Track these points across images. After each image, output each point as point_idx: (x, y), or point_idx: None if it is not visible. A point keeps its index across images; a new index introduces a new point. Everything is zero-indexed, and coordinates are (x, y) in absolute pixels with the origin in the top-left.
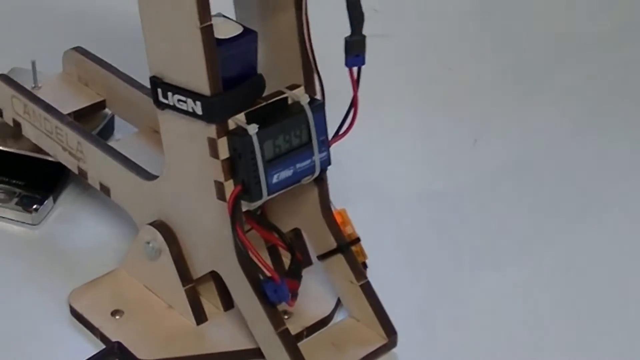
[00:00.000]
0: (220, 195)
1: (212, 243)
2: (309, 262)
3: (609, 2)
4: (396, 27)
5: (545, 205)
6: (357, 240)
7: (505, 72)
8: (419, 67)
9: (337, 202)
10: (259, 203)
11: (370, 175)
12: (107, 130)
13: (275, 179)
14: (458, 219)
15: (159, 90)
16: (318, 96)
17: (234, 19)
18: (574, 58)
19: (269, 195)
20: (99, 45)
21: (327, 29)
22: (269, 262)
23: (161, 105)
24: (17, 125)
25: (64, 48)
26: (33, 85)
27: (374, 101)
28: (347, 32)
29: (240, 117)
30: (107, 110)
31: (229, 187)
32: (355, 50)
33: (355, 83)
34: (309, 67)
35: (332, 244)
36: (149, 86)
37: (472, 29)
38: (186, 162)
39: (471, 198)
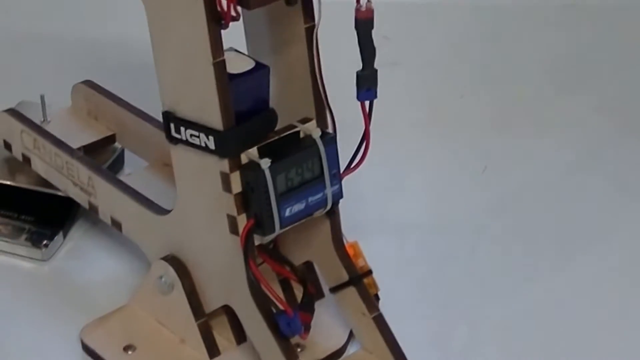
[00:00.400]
0: (233, 229)
1: (224, 277)
2: (320, 295)
3: (620, 34)
4: (407, 55)
5: (555, 234)
6: (369, 272)
7: (515, 99)
8: (429, 95)
9: (349, 234)
10: (271, 237)
11: (381, 207)
12: (117, 164)
13: (287, 213)
14: (469, 249)
15: (172, 125)
16: (329, 129)
17: (246, 52)
18: (583, 87)
19: (281, 228)
20: (108, 78)
21: (337, 62)
22: (281, 295)
23: (173, 140)
24: (26, 160)
25: (72, 81)
26: (42, 120)
27: (385, 130)
28: (358, 65)
29: (253, 152)
30: (117, 144)
31: (242, 221)
32: (367, 84)
33: (367, 117)
34: (320, 100)
35: (344, 276)
36: (160, 119)
37: (483, 56)
38: (198, 196)
39: (482, 227)
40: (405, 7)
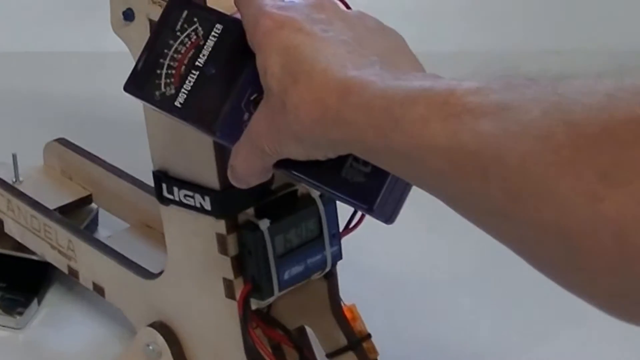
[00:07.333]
0: (229, 293)
1: (218, 344)
2: None
3: None
4: None
5: (547, 291)
6: (368, 336)
7: None
8: None
9: (346, 296)
10: (269, 301)
11: (380, 268)
12: (92, 226)
13: (286, 275)
14: (471, 309)
15: (164, 185)
16: None
17: None
18: None
19: (280, 292)
20: (82, 135)
21: None
22: None
23: (165, 201)
24: None
25: (43, 139)
26: (14, 180)
27: None
28: None
29: (250, 212)
30: (93, 205)
31: (239, 284)
32: None
33: None
34: None
35: (343, 341)
36: (139, 178)
37: None
38: (191, 259)
39: (481, 285)
40: None
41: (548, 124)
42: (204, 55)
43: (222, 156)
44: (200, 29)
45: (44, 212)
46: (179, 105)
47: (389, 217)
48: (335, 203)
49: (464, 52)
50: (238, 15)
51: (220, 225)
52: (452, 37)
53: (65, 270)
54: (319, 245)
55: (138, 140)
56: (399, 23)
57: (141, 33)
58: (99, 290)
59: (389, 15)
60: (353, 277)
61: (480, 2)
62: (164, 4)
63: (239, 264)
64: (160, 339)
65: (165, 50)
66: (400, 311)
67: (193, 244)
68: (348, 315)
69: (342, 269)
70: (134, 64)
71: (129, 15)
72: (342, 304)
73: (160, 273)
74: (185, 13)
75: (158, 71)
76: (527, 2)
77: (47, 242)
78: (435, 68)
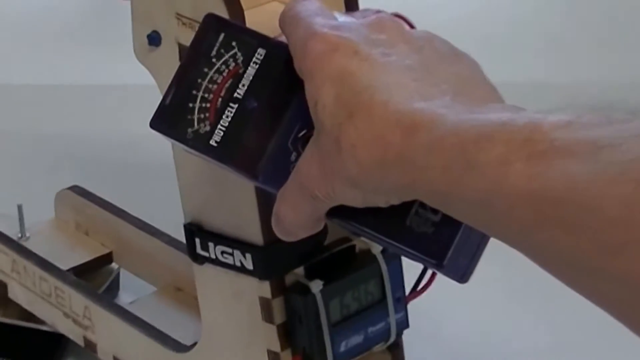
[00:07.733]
0: None
1: None
2: None
3: None
4: None
5: None
6: None
7: None
8: None
9: None
10: None
11: (452, 337)
12: (112, 290)
13: (343, 347)
14: None
15: (197, 240)
16: None
17: None
18: None
19: None
20: (100, 182)
21: None
22: None
23: (199, 259)
24: (2, 286)
25: (56, 188)
26: (20, 236)
27: None
28: None
29: (300, 272)
30: (114, 265)
31: (286, 357)
32: None
33: None
34: None
35: None
36: (168, 233)
37: None
38: (230, 328)
39: (566, 357)
40: None
41: None
42: (243, 85)
43: (266, 205)
44: (239, 54)
45: (56, 273)
46: (214, 145)
47: (462, 274)
48: (400, 260)
49: (549, 83)
50: (283, 38)
51: (264, 288)
52: (536, 65)
53: (81, 343)
54: (382, 311)
55: (166, 188)
56: (473, 48)
57: (169, 60)
58: None
59: (463, 39)
60: (422, 349)
61: (567, 27)
62: (197, 25)
63: (287, 334)
64: None
65: (199, 80)
66: None
67: (232, 310)
68: None
69: (409, 339)
70: (161, 96)
71: (154, 39)
72: None
73: (194, 345)
74: (222, 36)
75: (190, 105)
76: (623, 29)
77: (59, 310)
78: (515, 101)
